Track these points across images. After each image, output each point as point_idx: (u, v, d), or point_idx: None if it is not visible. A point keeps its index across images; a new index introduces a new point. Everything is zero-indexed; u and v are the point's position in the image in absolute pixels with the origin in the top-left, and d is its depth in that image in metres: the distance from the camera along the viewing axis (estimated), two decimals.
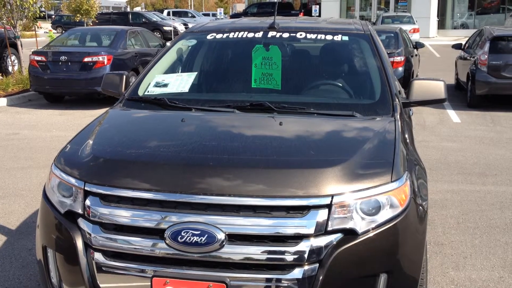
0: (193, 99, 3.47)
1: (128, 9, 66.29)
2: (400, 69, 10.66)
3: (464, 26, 32.29)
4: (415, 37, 22.35)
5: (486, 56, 10.24)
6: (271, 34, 3.87)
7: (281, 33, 3.87)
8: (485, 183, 6.13)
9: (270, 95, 3.49)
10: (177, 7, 77.50)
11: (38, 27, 24.02)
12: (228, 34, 3.98)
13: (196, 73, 3.86)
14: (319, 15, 27.19)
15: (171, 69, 3.96)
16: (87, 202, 2.53)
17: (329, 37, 3.85)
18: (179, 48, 4.12)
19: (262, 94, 3.51)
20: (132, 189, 2.47)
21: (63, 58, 10.94)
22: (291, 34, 3.88)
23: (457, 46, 12.79)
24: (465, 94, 11.28)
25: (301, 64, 3.99)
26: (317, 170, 2.46)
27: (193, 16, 39.18)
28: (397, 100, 3.32)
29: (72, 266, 2.56)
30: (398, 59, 10.60)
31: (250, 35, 3.89)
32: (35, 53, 11.34)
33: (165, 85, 3.63)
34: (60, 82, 10.91)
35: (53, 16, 47.98)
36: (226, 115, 3.20)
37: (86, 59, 10.79)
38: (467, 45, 12.47)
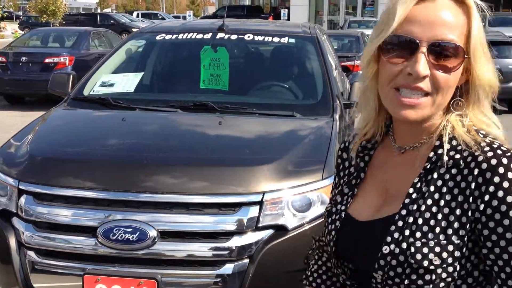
0: (138, 99, 3.48)
1: (99, 11, 65.53)
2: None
3: None
4: None
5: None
6: (219, 35, 3.91)
7: (229, 35, 3.92)
8: None
9: (216, 96, 3.53)
10: (148, 9, 76.94)
11: (3, 29, 23.56)
12: (177, 35, 4.00)
13: (142, 73, 3.87)
14: (288, 19, 27.36)
15: (119, 69, 3.96)
16: (21, 200, 2.53)
17: (276, 39, 3.92)
18: (128, 48, 4.13)
19: (209, 94, 3.55)
20: (65, 188, 2.49)
21: (23, 59, 10.77)
22: (239, 36, 3.92)
23: None
24: None
25: (248, 65, 4.05)
26: (249, 168, 2.52)
27: (163, 18, 38.95)
28: (338, 101, 3.40)
29: (6, 266, 2.54)
30: (358, 62, 10.78)
31: (199, 36, 3.92)
32: None
33: (111, 85, 3.63)
34: (21, 83, 10.71)
35: (21, 17, 47.14)
36: (168, 115, 3.23)
37: (47, 60, 10.64)
38: None
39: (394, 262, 0.97)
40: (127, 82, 3.66)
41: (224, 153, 2.71)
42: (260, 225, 2.41)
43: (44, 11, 27.93)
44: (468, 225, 0.95)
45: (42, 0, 27.72)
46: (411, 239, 0.97)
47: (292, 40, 3.93)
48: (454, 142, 0.99)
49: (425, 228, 0.97)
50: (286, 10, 29.58)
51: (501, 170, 0.93)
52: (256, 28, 4.14)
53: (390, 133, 1.10)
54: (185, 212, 2.40)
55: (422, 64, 0.94)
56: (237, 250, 2.36)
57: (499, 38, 11.04)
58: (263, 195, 2.43)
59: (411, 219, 0.98)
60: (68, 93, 3.71)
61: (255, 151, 2.73)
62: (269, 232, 2.42)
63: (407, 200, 1.00)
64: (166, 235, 2.37)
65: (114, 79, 3.70)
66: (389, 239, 0.99)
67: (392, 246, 0.98)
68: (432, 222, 0.97)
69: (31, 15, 36.19)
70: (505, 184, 0.92)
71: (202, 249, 2.37)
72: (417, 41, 0.94)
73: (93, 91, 3.60)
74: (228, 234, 2.38)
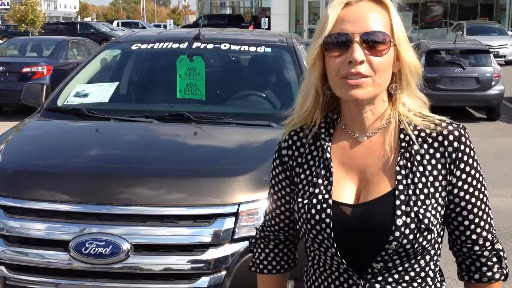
0: (113, 109, 3.43)
1: (79, 20, 65.06)
2: None
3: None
4: None
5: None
6: (195, 45, 3.89)
7: (205, 44, 3.90)
8: None
9: (193, 106, 3.50)
10: (129, 18, 76.66)
11: None
12: (153, 45, 3.96)
13: (117, 83, 3.83)
14: (269, 28, 27.48)
15: (94, 79, 3.90)
16: None
17: (252, 48, 3.90)
18: (103, 58, 4.08)
19: (185, 104, 3.51)
20: (37, 201, 2.43)
21: (1, 68, 10.62)
22: (216, 45, 3.90)
23: None
24: None
25: (225, 74, 4.03)
26: (224, 179, 2.49)
27: (144, 27, 38.84)
28: None
29: None
30: None
31: (175, 45, 3.89)
32: None
33: (86, 95, 3.58)
34: None
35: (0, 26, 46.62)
36: (143, 125, 3.19)
37: (25, 70, 10.51)
38: None
39: (407, 231, 1.13)
40: (102, 92, 3.61)
41: (199, 164, 2.68)
42: (236, 236, 2.38)
43: (22, 20, 27.67)
44: (446, 187, 1.19)
45: (21, 9, 27.47)
46: (416, 208, 1.15)
47: (268, 49, 3.92)
48: (413, 124, 1.20)
49: (422, 197, 1.16)
50: (267, 19, 29.75)
51: (463, 139, 1.19)
52: (233, 37, 4.13)
53: (342, 125, 1.25)
54: (159, 225, 2.36)
55: (358, 51, 1.12)
56: (213, 262, 2.33)
57: (477, 46, 11.18)
58: (239, 206, 2.40)
59: (410, 192, 1.16)
60: (41, 103, 3.65)
61: (230, 161, 2.71)
62: (245, 243, 2.38)
63: (399, 177, 1.17)
64: (140, 248, 2.33)
65: (89, 89, 3.65)
66: (399, 212, 1.15)
67: (404, 218, 1.14)
68: (425, 191, 1.17)
69: (9, 24, 35.86)
70: (467, 150, 1.19)
71: (177, 262, 2.33)
72: (350, 34, 1.13)
73: (67, 102, 3.54)
74: (204, 247, 2.35)
